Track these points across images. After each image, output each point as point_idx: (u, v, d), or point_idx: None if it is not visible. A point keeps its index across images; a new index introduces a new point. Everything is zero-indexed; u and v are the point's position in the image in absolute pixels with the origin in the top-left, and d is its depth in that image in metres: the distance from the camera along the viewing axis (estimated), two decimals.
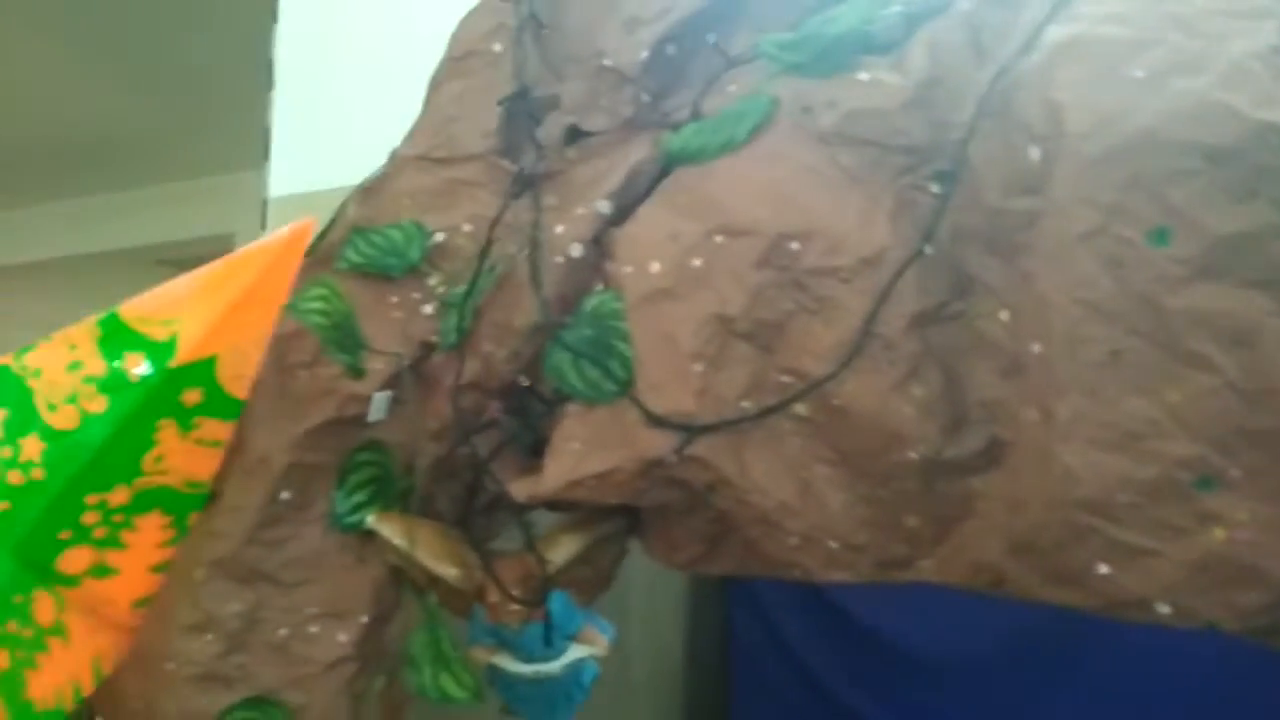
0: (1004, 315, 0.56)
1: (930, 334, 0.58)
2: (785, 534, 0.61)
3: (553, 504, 0.71)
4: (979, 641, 1.23)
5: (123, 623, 0.78)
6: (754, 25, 0.73)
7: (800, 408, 0.60)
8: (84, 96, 2.97)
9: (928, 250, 0.58)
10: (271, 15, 1.56)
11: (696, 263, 0.63)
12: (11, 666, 0.70)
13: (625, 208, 0.71)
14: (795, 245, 0.61)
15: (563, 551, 0.71)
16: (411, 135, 0.86)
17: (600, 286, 0.70)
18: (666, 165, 0.70)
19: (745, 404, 0.61)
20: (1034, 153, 0.54)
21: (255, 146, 1.59)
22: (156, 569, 0.77)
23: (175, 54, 2.67)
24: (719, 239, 0.63)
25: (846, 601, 1.30)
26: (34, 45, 2.66)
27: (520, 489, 0.68)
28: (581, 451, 0.65)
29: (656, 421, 0.62)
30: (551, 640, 0.69)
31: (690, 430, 0.61)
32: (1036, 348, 0.53)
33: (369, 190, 0.83)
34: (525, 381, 0.72)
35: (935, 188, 0.60)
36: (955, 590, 0.61)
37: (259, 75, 1.55)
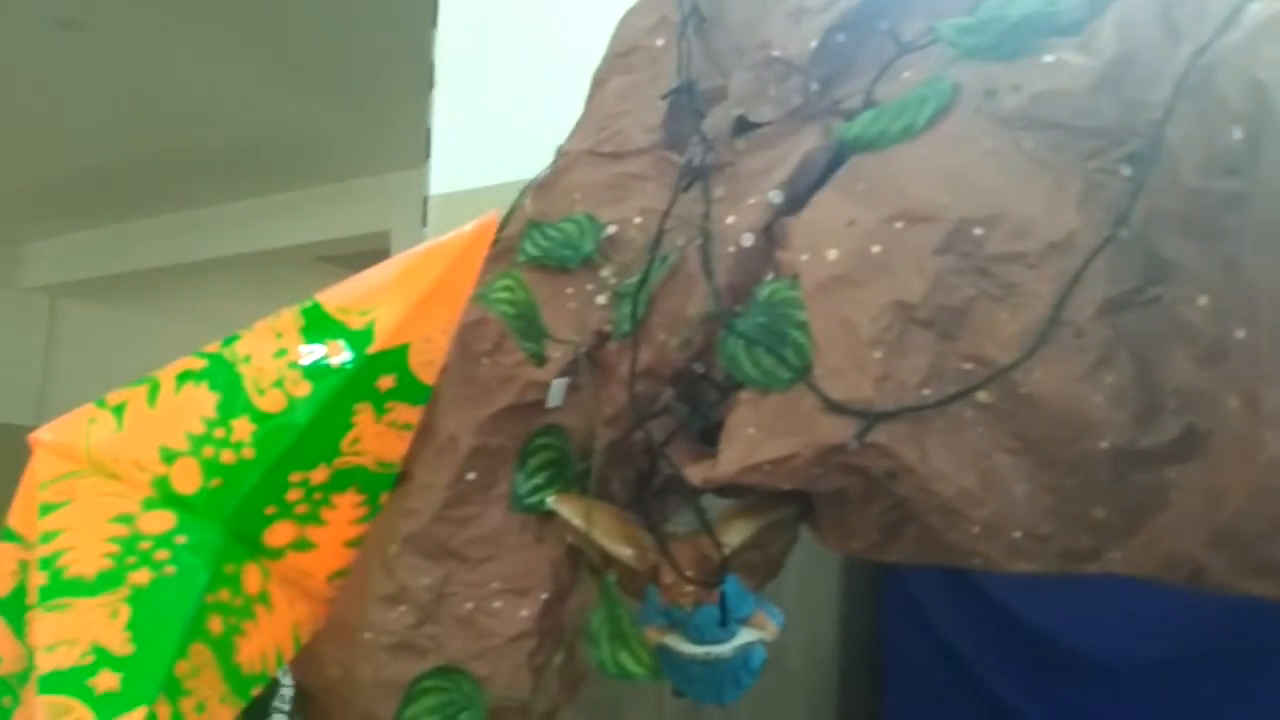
0: (1203, 300, 0.54)
1: (1122, 320, 0.56)
2: (967, 522, 0.60)
3: (724, 489, 0.72)
4: (1151, 645, 1.18)
5: (319, 594, 0.83)
6: (926, 11, 0.72)
7: (983, 395, 0.59)
8: (251, 102, 3.14)
9: (1121, 234, 0.57)
10: (431, 17, 1.62)
11: (875, 249, 0.63)
12: (224, 632, 0.76)
13: (797, 197, 0.71)
14: (978, 231, 0.60)
15: (736, 535, 0.72)
16: (576, 131, 0.89)
17: (772, 275, 0.70)
18: (841, 153, 0.70)
19: (926, 391, 0.61)
20: (1236, 133, 0.52)
21: (413, 147, 1.65)
22: (350, 544, 0.82)
23: (338, 58, 2.80)
24: (898, 225, 0.63)
25: (1008, 597, 1.26)
26: (203, 53, 2.83)
27: (695, 473, 0.70)
28: (757, 437, 0.66)
29: (836, 408, 0.62)
30: (726, 622, 0.71)
31: (870, 417, 0.61)
32: (1240, 334, 0.51)
33: (542, 186, 0.86)
34: (700, 369, 0.73)
35: (1126, 170, 0.58)
36: (1141, 585, 0.60)
37: (419, 77, 1.61)
